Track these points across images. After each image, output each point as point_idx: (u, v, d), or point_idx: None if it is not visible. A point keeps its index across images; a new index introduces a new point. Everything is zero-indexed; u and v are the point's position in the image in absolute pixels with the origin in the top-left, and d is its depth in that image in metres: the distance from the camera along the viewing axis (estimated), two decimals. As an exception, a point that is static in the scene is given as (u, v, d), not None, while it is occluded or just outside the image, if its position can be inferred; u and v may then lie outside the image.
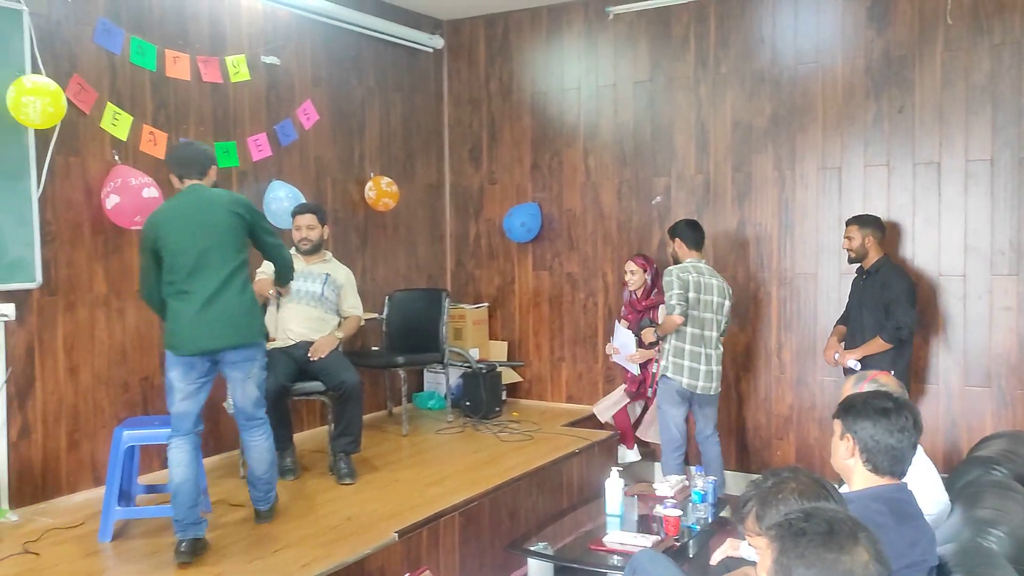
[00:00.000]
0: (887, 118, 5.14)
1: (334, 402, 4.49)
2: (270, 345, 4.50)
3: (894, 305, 4.56)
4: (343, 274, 4.84)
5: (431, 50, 6.49)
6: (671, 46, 5.79)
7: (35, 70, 3.94)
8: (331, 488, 4.29)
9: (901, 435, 2.26)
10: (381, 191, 5.81)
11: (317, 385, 4.48)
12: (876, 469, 2.28)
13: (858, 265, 4.84)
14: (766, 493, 2.08)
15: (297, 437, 4.81)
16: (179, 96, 4.68)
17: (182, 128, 4.68)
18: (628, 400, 5.53)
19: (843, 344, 4.89)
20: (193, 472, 3.43)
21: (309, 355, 4.46)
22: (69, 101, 4.02)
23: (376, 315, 5.88)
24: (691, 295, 4.71)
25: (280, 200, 5.05)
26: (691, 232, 4.95)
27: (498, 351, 6.44)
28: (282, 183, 5.17)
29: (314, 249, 4.74)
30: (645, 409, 5.51)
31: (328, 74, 5.65)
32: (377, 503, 4.04)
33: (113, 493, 3.59)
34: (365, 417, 4.83)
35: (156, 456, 4.47)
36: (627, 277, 5.39)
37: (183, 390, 3.45)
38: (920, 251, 5.07)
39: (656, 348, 5.10)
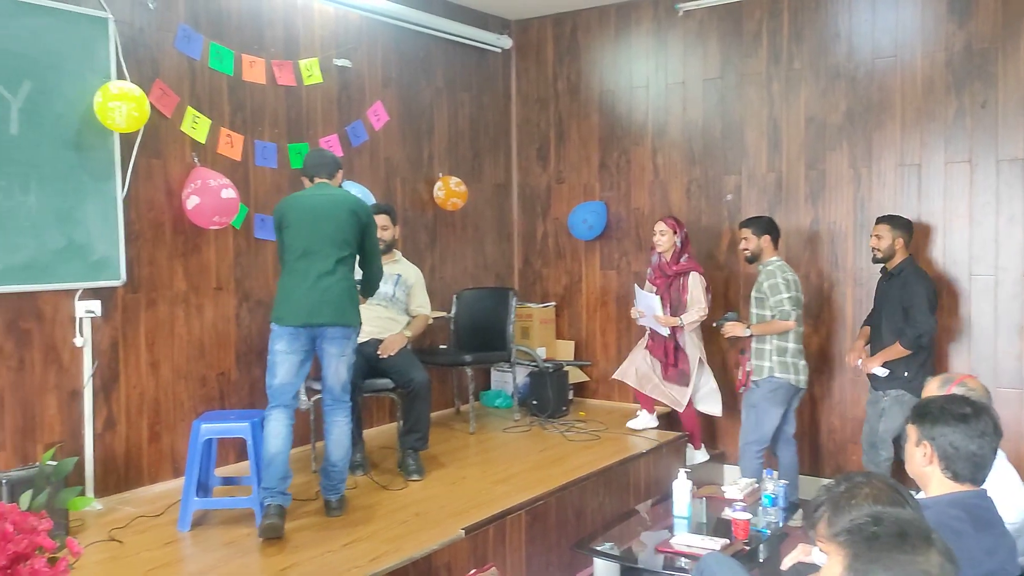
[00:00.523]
0: (969, 113, 4.97)
1: (403, 399, 4.55)
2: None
3: (914, 309, 4.48)
4: (413, 274, 4.91)
5: (499, 50, 6.52)
6: (743, 42, 5.70)
7: (120, 76, 4.09)
8: (400, 484, 4.35)
9: (982, 440, 2.19)
10: (450, 191, 5.86)
11: (386, 383, 4.55)
12: (956, 476, 2.21)
13: (882, 266, 4.78)
14: (838, 498, 2.04)
15: (366, 433, 4.89)
16: (255, 99, 4.81)
17: (257, 130, 4.81)
18: (650, 365, 5.37)
19: (868, 347, 4.85)
20: (287, 445, 3.69)
21: (379, 352, 4.53)
22: (152, 105, 4.16)
23: (444, 314, 5.93)
24: (797, 295, 4.77)
25: (351, 200, 5.13)
26: (777, 230, 4.98)
27: (565, 350, 6.44)
28: (352, 183, 5.26)
29: (386, 249, 4.82)
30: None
31: (398, 75, 5.73)
32: (444, 500, 4.09)
33: (192, 484, 3.71)
34: (433, 415, 4.89)
35: (232, 449, 4.61)
36: (656, 239, 5.26)
37: (285, 361, 3.72)
38: (1004, 250, 4.89)
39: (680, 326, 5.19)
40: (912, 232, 4.75)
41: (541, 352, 6.15)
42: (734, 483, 4.27)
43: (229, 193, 4.32)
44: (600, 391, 6.39)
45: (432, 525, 3.73)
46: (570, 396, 6.06)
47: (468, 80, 6.31)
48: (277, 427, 3.68)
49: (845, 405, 5.41)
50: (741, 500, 3.92)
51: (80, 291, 4.01)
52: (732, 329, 4.95)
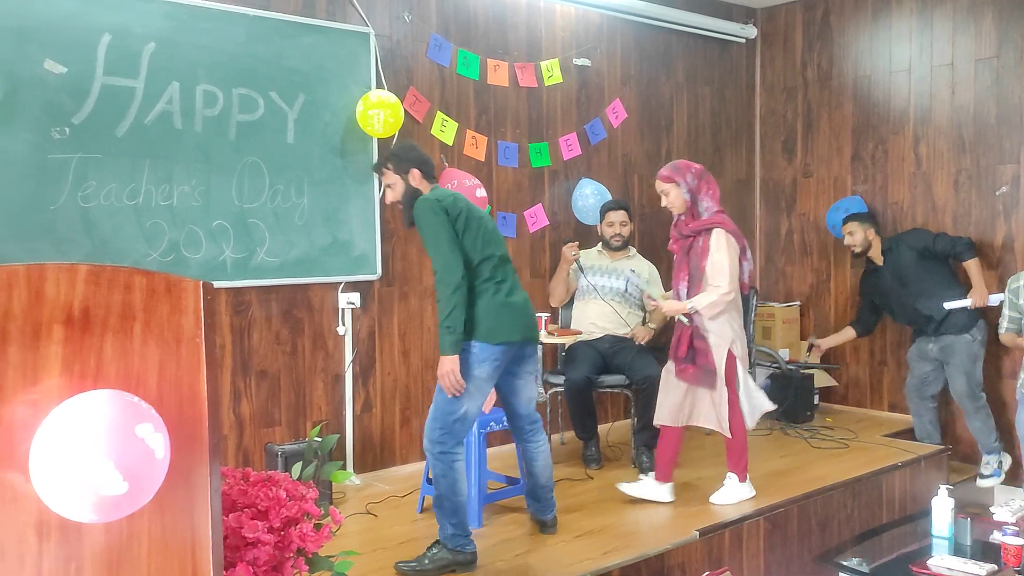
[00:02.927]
0: None
1: (637, 396, 4.55)
2: (577, 338, 4.67)
3: (937, 239, 4.97)
4: (647, 269, 4.89)
5: (743, 40, 6.32)
6: None
7: (379, 86, 4.43)
8: (633, 480, 4.34)
9: None
10: (689, 187, 5.76)
11: (620, 379, 4.57)
12: None
13: (865, 260, 5.25)
14: None
15: (600, 428, 4.93)
16: (498, 102, 5.01)
17: (500, 131, 5.01)
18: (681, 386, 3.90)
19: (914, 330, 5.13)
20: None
21: (632, 336, 4.59)
22: (406, 112, 4.46)
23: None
24: None
25: (586, 197, 5.21)
26: None
27: (810, 352, 6.11)
28: (590, 180, 5.33)
29: (624, 245, 4.84)
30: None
31: (637, 72, 5.72)
32: (678, 499, 4.03)
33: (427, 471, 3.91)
34: (669, 413, 4.82)
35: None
36: (664, 202, 3.95)
37: (482, 388, 3.22)
38: None
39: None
40: (876, 220, 5.32)
41: (784, 354, 5.89)
42: (1005, 504, 3.85)
43: (481, 192, 4.55)
44: (850, 397, 6.01)
45: (665, 524, 3.70)
46: (815, 401, 5.75)
47: (709, 73, 6.17)
48: (463, 465, 3.23)
49: None
50: (1013, 524, 3.53)
51: (343, 284, 4.40)
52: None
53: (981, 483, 4.89)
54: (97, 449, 1.21)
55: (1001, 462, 4.88)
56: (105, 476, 1.21)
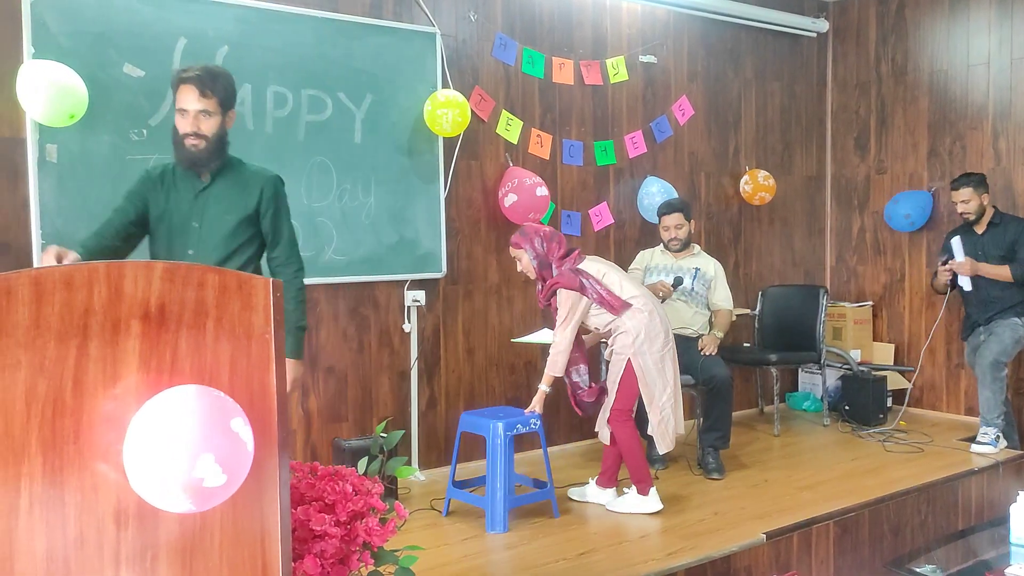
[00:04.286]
0: None
1: (703, 396, 4.50)
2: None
3: (1022, 248, 4.71)
4: (712, 267, 4.82)
5: (814, 35, 6.18)
6: (1112, 3, 4.90)
7: (445, 85, 4.46)
8: (699, 481, 4.30)
9: None
10: (758, 184, 5.67)
11: (687, 379, 4.51)
12: None
13: (965, 223, 4.93)
14: None
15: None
16: (563, 100, 5.00)
17: (565, 130, 5.00)
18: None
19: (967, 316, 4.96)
20: None
21: (700, 349, 4.51)
22: (472, 111, 4.49)
23: (749, 311, 5.76)
24: None
25: (652, 196, 5.16)
26: None
27: (883, 354, 5.95)
28: (656, 179, 5.28)
29: (683, 247, 4.78)
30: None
31: (704, 68, 5.65)
32: (745, 501, 3.97)
33: (450, 474, 3.91)
34: (735, 414, 4.77)
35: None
36: (519, 268, 3.99)
37: None
38: None
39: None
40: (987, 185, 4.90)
41: (855, 355, 5.75)
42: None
43: (542, 191, 4.55)
44: (925, 400, 5.83)
45: (731, 526, 3.65)
46: (888, 403, 5.60)
47: (779, 68, 6.06)
48: None
49: None
50: (1099, 535, 3.38)
51: (408, 282, 4.44)
52: None
53: (976, 449, 4.71)
54: (197, 442, 1.25)
55: (999, 436, 4.72)
56: (207, 468, 1.25)
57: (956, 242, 4.82)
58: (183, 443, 1.24)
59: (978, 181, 4.85)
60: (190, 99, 2.70)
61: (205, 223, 2.77)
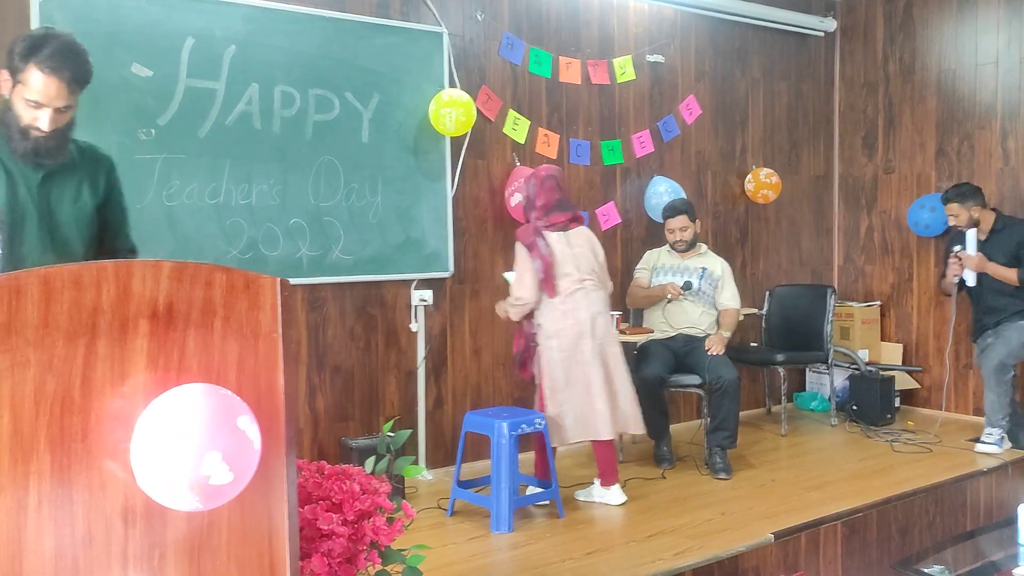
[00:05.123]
0: None
1: (710, 396, 4.49)
2: (649, 337, 4.63)
3: None
4: (719, 266, 4.81)
5: (822, 34, 6.16)
6: (1122, 1, 4.87)
7: (451, 85, 4.46)
8: (706, 481, 4.30)
9: None
10: (760, 183, 5.66)
11: (694, 378, 4.51)
12: None
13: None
14: None
15: (672, 428, 4.87)
16: (570, 99, 4.99)
17: (572, 129, 4.99)
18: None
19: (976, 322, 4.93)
20: None
21: (706, 349, 4.49)
22: (478, 110, 4.49)
23: (755, 310, 5.75)
24: None
25: (660, 195, 5.15)
26: None
27: (890, 354, 5.93)
28: (663, 178, 5.27)
29: (689, 247, 4.77)
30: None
31: (711, 68, 5.64)
32: (752, 501, 3.97)
33: (455, 474, 3.90)
34: (742, 414, 4.75)
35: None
36: None
37: None
38: None
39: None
40: (982, 193, 4.84)
41: (863, 354, 5.73)
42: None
43: (547, 190, 4.54)
44: (933, 400, 5.80)
45: (739, 526, 3.64)
46: (896, 404, 5.58)
47: (786, 67, 6.04)
48: None
49: None
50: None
51: (415, 281, 4.45)
52: None
53: (981, 448, 4.70)
54: (204, 440, 1.25)
55: (1003, 437, 4.71)
56: (214, 466, 1.25)
57: (972, 233, 4.76)
58: (189, 441, 1.25)
59: (966, 194, 4.82)
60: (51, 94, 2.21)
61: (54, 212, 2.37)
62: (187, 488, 1.25)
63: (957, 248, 4.82)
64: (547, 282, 3.83)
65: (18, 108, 2.23)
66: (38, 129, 2.23)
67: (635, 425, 4.00)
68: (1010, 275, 4.68)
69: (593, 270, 3.94)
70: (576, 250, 3.91)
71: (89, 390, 1.30)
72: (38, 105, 2.21)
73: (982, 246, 4.79)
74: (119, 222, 2.52)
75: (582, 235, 3.96)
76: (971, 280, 4.77)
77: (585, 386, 3.85)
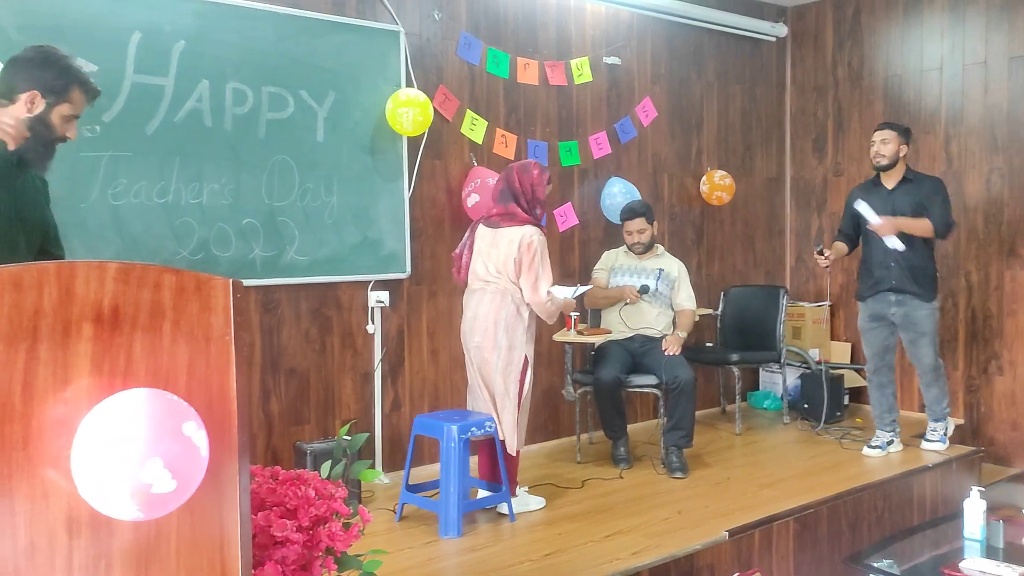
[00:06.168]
0: None
1: (667, 396, 4.52)
2: (607, 338, 4.65)
3: (940, 205, 4.46)
4: (675, 267, 4.85)
5: (774, 39, 6.25)
6: (1062, 10, 5.02)
7: (408, 84, 4.43)
8: (662, 481, 4.33)
9: None
10: (714, 184, 5.72)
11: (651, 379, 4.54)
12: None
13: (875, 176, 4.66)
14: None
15: (630, 428, 4.90)
16: (528, 100, 4.99)
17: (530, 130, 4.99)
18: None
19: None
20: None
21: (663, 349, 4.51)
22: (435, 110, 4.46)
23: (711, 311, 5.81)
24: None
25: (615, 196, 5.18)
26: None
27: (840, 352, 6.05)
28: (618, 179, 5.30)
29: (646, 249, 4.81)
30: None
31: (667, 71, 5.68)
32: (708, 499, 4.00)
33: (405, 479, 3.85)
34: (698, 413, 4.81)
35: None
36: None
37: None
38: None
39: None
40: (910, 140, 4.67)
41: (814, 354, 5.83)
42: (1041, 509, 3.78)
43: (504, 191, 4.53)
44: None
45: (694, 524, 3.67)
46: (845, 402, 5.69)
47: (740, 72, 6.12)
48: None
49: None
50: (1050, 529, 3.46)
51: (372, 282, 4.40)
52: None
53: (927, 446, 4.78)
54: (146, 447, 1.21)
55: (947, 428, 4.80)
56: (155, 474, 1.21)
57: (863, 205, 4.50)
58: (129, 447, 1.20)
59: (903, 130, 4.60)
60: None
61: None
62: (128, 496, 1.21)
63: (820, 249, 4.65)
64: (460, 270, 3.94)
65: (56, 122, 2.43)
66: (68, 139, 2.49)
67: (509, 439, 3.79)
68: (924, 224, 4.44)
69: (502, 273, 3.77)
70: (494, 251, 3.80)
71: (30, 396, 1.26)
72: (75, 117, 2.48)
73: (890, 196, 4.57)
74: (55, 230, 2.66)
75: (507, 238, 3.78)
76: (897, 244, 4.45)
77: (471, 386, 3.94)
